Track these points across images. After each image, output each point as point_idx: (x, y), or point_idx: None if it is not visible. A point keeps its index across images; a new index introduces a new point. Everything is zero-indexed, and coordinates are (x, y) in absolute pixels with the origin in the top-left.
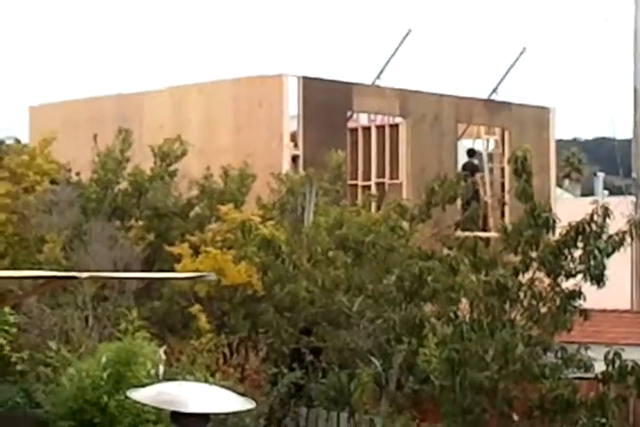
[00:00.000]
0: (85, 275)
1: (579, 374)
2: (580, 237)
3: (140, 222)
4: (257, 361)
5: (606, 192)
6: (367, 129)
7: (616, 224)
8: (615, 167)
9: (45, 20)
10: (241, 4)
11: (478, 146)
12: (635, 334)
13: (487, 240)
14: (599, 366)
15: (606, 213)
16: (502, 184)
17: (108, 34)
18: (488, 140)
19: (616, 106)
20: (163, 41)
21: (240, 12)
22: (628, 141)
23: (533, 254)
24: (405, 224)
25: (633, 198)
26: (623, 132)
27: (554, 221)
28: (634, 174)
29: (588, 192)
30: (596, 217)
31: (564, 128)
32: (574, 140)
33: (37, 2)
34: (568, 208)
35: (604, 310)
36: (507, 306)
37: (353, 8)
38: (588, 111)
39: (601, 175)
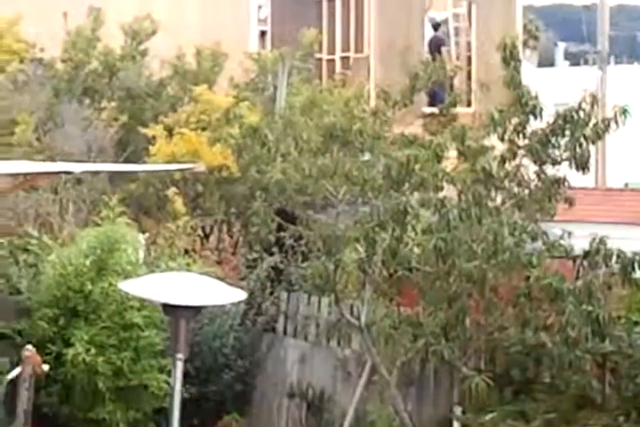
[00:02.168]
0: (80, 169)
1: (555, 254)
2: (567, 126)
3: (113, 103)
4: (232, 244)
5: (567, 62)
6: (331, 0)
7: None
8: (569, 34)
9: None
10: None
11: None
12: (603, 212)
13: (455, 115)
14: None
15: (594, 101)
16: (468, 58)
17: None
18: (456, 14)
19: None
20: None
21: None
22: (585, 7)
23: (520, 142)
24: (389, 111)
25: (596, 70)
26: None
27: (541, 109)
28: (599, 47)
29: (544, 61)
30: (584, 105)
31: None
32: (529, 6)
33: None
34: (529, 79)
35: (572, 188)
36: (492, 194)
37: None
38: None
39: (562, 45)
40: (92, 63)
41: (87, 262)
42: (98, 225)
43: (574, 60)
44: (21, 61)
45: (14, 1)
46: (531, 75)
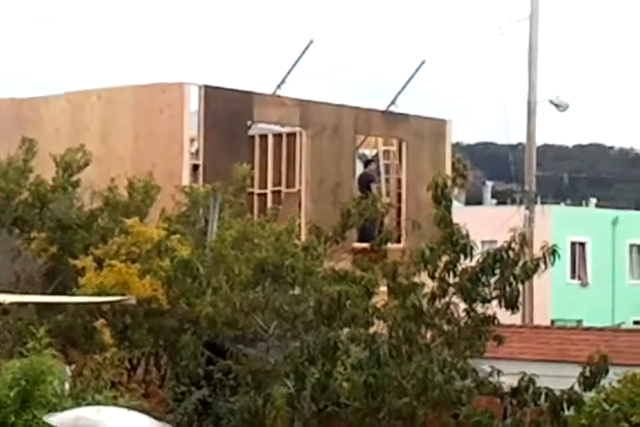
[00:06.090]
0: (10, 300)
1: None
2: (497, 265)
3: (43, 234)
4: (160, 377)
5: (494, 201)
6: (264, 137)
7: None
8: (496, 172)
9: None
10: (141, 12)
11: (375, 155)
12: (531, 349)
13: (385, 251)
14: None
15: (524, 241)
16: (398, 195)
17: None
18: (386, 151)
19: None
20: (59, 46)
21: (140, 20)
22: (511, 146)
23: (450, 280)
24: (320, 246)
25: (524, 209)
26: (503, 137)
27: (472, 248)
28: (527, 187)
29: (472, 198)
30: (513, 244)
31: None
32: (457, 144)
33: None
34: (457, 217)
35: (501, 325)
36: (423, 331)
37: (258, 17)
38: (468, 116)
39: (489, 184)
40: (22, 194)
41: (11, 394)
42: (24, 356)
43: (502, 198)
44: None
45: None
46: (458, 213)
